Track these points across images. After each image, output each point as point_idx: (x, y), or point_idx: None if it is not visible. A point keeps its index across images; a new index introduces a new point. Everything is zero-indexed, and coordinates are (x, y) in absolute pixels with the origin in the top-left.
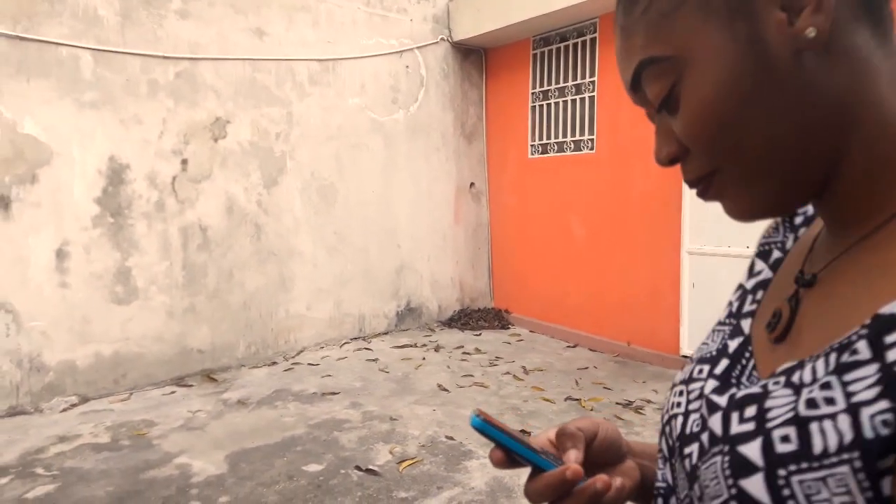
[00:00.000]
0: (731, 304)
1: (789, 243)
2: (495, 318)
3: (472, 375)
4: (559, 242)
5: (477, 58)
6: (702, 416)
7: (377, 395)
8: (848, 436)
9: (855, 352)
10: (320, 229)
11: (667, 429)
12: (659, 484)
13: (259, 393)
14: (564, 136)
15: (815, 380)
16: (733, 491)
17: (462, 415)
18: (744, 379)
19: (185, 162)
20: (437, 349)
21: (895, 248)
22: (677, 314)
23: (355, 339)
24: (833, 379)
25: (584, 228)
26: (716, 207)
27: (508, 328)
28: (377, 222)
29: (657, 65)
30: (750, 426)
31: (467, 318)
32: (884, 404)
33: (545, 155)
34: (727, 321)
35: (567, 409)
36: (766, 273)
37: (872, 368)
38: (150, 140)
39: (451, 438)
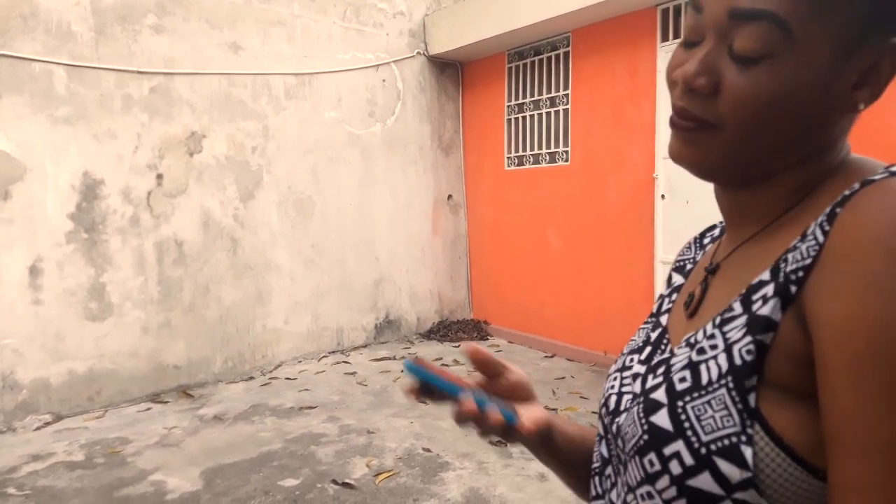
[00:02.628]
0: (652, 311)
1: (699, 256)
2: (474, 330)
3: None
4: (536, 253)
5: (453, 71)
6: (633, 393)
7: (355, 408)
8: (724, 366)
9: (731, 310)
10: (297, 243)
11: (602, 410)
12: (595, 464)
13: (236, 408)
14: (540, 148)
15: (705, 336)
16: (645, 426)
17: (440, 427)
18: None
19: (160, 177)
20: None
21: (773, 240)
22: None
23: (333, 352)
24: (716, 331)
25: (560, 239)
26: (688, 217)
27: (487, 339)
28: (355, 235)
29: (779, 29)
30: (659, 379)
31: (446, 330)
32: (748, 339)
33: (521, 167)
34: (649, 320)
35: None
36: (680, 281)
37: (743, 319)
38: (125, 155)
39: (428, 450)
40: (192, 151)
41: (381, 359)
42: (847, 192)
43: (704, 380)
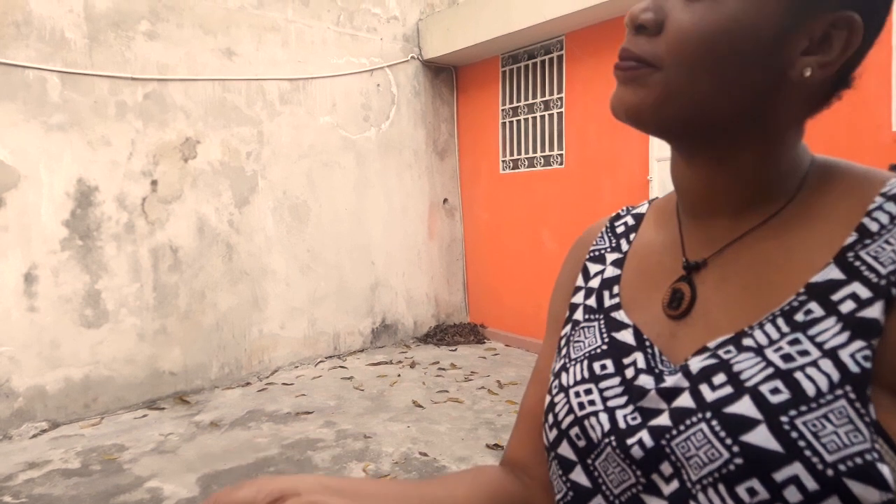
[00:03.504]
0: (575, 305)
1: (624, 246)
2: (471, 333)
3: (447, 391)
4: (532, 256)
5: (447, 75)
6: (639, 408)
7: (351, 413)
8: (835, 375)
9: (809, 311)
10: (293, 248)
11: (574, 430)
12: (560, 495)
13: (232, 414)
14: (535, 151)
15: (772, 341)
16: (735, 448)
17: (436, 431)
18: (660, 365)
19: (154, 183)
20: (412, 366)
21: (791, 235)
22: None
23: (330, 357)
24: (799, 335)
25: (555, 242)
26: None
27: (484, 343)
28: (350, 239)
29: None
30: (728, 390)
31: (443, 334)
32: (859, 343)
33: (516, 170)
34: (591, 317)
35: None
36: (612, 271)
37: (832, 321)
38: (119, 161)
39: (425, 455)
40: (186, 157)
41: (378, 363)
42: None
43: (811, 391)
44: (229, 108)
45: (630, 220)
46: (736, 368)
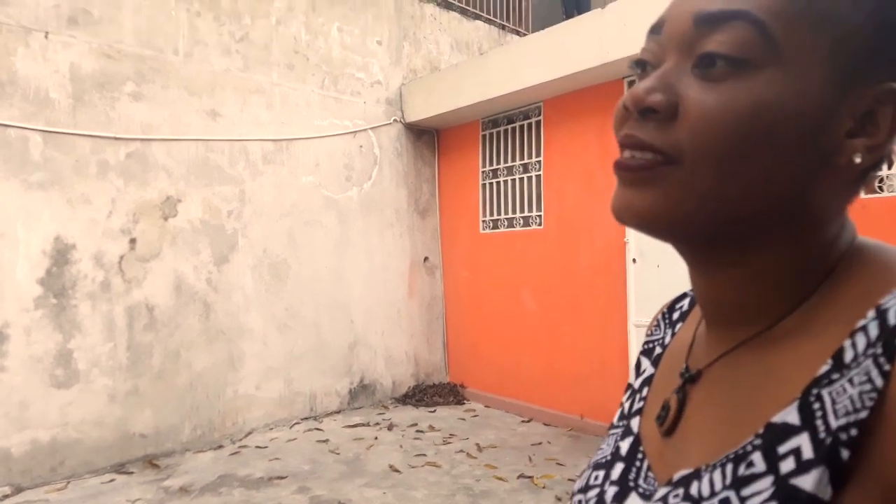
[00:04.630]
0: (622, 405)
1: (667, 339)
2: (450, 394)
3: (424, 455)
4: (512, 316)
5: (429, 138)
6: None
7: (326, 478)
8: None
9: (751, 464)
10: (271, 306)
11: None
12: None
13: (203, 479)
14: (514, 212)
15: (713, 493)
16: None
17: (413, 497)
18: (640, 481)
19: (133, 241)
20: (390, 427)
21: (777, 352)
22: (625, 387)
23: (306, 418)
24: (731, 494)
25: (535, 302)
26: (660, 281)
27: (464, 403)
28: (330, 298)
29: (757, 32)
30: None
31: (422, 394)
32: None
33: (496, 230)
34: (619, 424)
35: (520, 487)
36: (650, 370)
37: (768, 481)
38: (98, 220)
39: None
40: (166, 216)
41: (355, 425)
42: None
43: None
44: (212, 167)
45: (686, 305)
46: None
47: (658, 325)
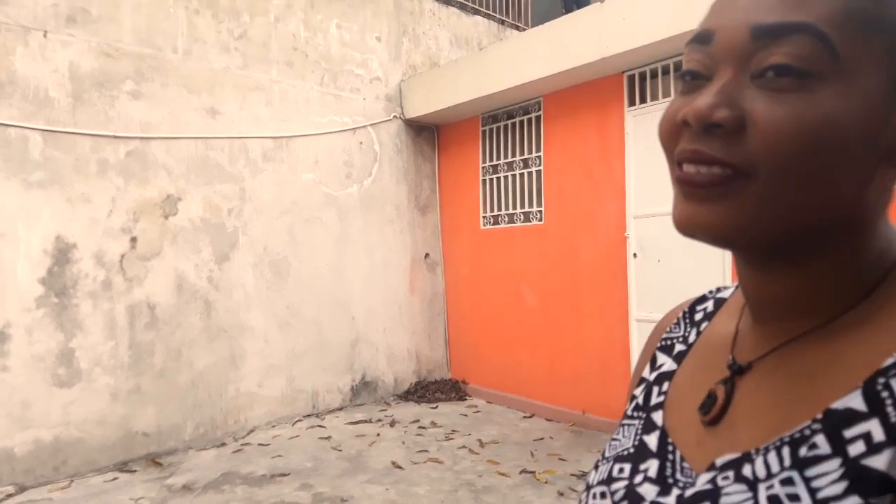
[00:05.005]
0: (634, 397)
1: (692, 337)
2: (452, 390)
3: (427, 451)
4: (513, 311)
5: (429, 134)
6: None
7: (329, 475)
8: None
9: (814, 446)
10: (272, 304)
11: None
12: None
13: (206, 477)
14: (514, 207)
15: (770, 474)
16: None
17: (415, 493)
18: (678, 474)
19: (134, 240)
20: (392, 424)
21: (836, 346)
22: (627, 382)
23: (308, 416)
24: (794, 474)
25: (536, 297)
26: (660, 275)
27: (465, 399)
28: (331, 295)
29: (820, 44)
30: None
31: (424, 391)
32: (854, 500)
33: (497, 226)
34: (635, 415)
35: (522, 482)
36: (670, 365)
37: (835, 463)
38: (99, 219)
39: None
40: (167, 214)
41: (357, 422)
42: None
43: None
44: (212, 165)
45: (710, 307)
46: (723, 501)
47: (678, 324)
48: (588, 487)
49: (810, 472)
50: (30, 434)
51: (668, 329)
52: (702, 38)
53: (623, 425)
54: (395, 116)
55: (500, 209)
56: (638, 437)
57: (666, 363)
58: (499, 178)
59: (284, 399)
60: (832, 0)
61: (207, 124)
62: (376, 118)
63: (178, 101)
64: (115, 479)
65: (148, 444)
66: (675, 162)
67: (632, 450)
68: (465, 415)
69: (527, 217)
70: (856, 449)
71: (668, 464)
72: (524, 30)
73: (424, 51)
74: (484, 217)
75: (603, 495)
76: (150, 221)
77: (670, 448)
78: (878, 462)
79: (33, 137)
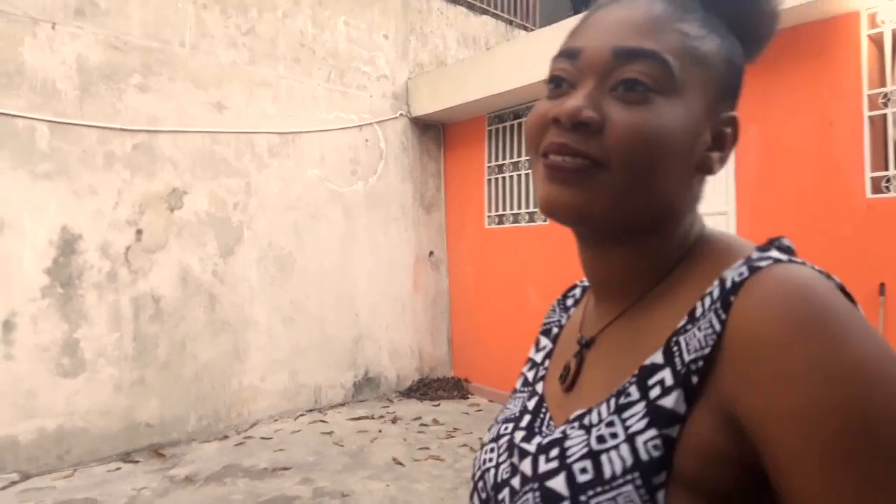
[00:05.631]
0: (523, 374)
1: (564, 320)
2: (455, 388)
3: (428, 448)
4: (516, 311)
5: (435, 132)
6: (511, 464)
7: (330, 470)
8: (629, 460)
9: (628, 395)
10: (276, 299)
11: (479, 484)
12: None
13: (208, 469)
14: (519, 207)
15: (600, 420)
16: None
17: (416, 490)
18: (544, 428)
19: (139, 232)
20: (394, 421)
21: (647, 316)
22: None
23: (311, 410)
24: (615, 418)
25: (540, 297)
26: None
27: (468, 398)
28: (335, 291)
29: (663, 68)
30: (554, 464)
31: (426, 388)
32: (652, 432)
33: (501, 225)
34: (523, 389)
35: None
36: (550, 345)
37: (641, 406)
38: (105, 211)
39: None
40: (172, 207)
41: (359, 418)
42: (736, 278)
43: (608, 473)
44: (218, 159)
45: (577, 293)
46: (566, 444)
47: (554, 310)
48: (482, 445)
49: (625, 415)
50: (34, 423)
51: (549, 316)
52: (570, 53)
53: (514, 398)
54: (401, 114)
55: (504, 209)
56: (523, 404)
57: (547, 345)
58: (504, 178)
59: (287, 393)
60: (674, 37)
61: (214, 119)
62: (382, 116)
63: (185, 95)
64: (118, 468)
65: (151, 434)
66: (541, 153)
67: (517, 413)
68: (467, 413)
69: (532, 217)
70: (654, 392)
71: (539, 419)
72: (532, 30)
73: (432, 49)
74: (489, 216)
75: (491, 450)
76: (155, 214)
77: (544, 410)
78: (668, 401)
79: (40, 129)
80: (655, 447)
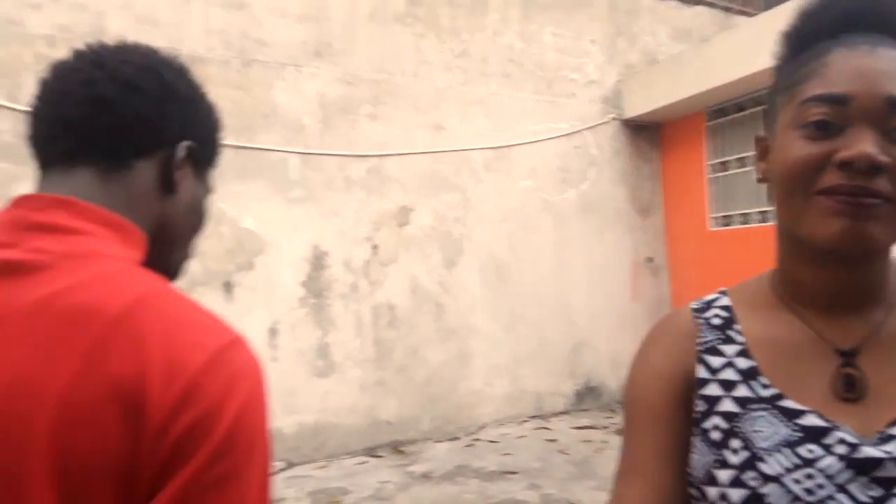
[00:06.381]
0: (717, 398)
1: (738, 338)
2: None
3: None
4: None
5: (649, 133)
6: (875, 479)
7: (556, 477)
8: None
9: None
10: (496, 307)
11: None
12: None
13: (442, 467)
14: (748, 207)
15: None
16: None
17: None
18: (847, 438)
19: (375, 247)
20: (618, 432)
21: None
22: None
23: (534, 417)
24: None
25: None
26: None
27: None
28: (551, 299)
29: None
30: None
31: None
32: None
33: (728, 227)
34: (755, 407)
35: None
36: (746, 363)
37: None
38: (346, 229)
39: None
40: (401, 224)
41: (583, 427)
42: None
43: None
44: (439, 177)
45: (721, 313)
46: None
47: (702, 331)
48: (773, 478)
49: None
50: (295, 418)
51: (698, 335)
52: (837, 99)
53: (747, 419)
54: (612, 118)
55: (731, 209)
56: (790, 422)
57: (736, 361)
58: (728, 176)
59: (510, 399)
60: None
61: (434, 139)
62: (592, 121)
63: (409, 120)
64: (364, 462)
65: (391, 432)
66: (818, 192)
67: (800, 434)
68: None
69: (763, 217)
70: None
71: (846, 434)
72: (753, 15)
73: (642, 48)
74: (713, 218)
75: (810, 476)
76: (387, 231)
77: (829, 422)
78: None
79: (292, 160)
80: None
